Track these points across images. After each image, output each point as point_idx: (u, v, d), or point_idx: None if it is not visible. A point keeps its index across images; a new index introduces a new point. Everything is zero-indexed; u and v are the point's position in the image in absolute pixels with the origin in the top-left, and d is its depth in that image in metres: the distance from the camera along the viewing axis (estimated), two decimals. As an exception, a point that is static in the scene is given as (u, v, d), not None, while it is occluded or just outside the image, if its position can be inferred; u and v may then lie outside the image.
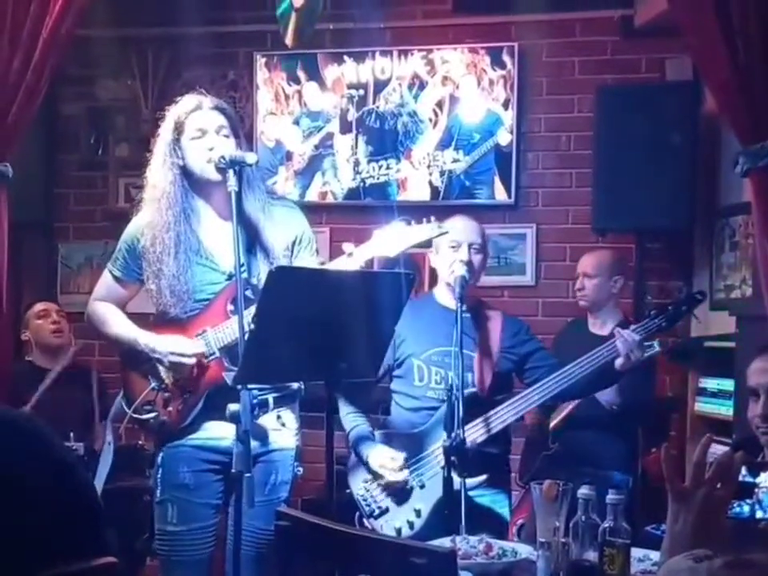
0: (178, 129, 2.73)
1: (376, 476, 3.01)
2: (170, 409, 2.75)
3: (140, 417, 2.77)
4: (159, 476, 2.77)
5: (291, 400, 2.83)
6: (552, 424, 3.52)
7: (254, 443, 2.56)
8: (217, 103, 2.79)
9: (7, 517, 0.83)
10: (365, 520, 3.03)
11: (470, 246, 3.06)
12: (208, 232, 2.79)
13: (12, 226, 3.31)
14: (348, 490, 3.07)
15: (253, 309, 2.48)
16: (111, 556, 0.92)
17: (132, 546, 3.65)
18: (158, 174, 2.75)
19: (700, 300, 3.14)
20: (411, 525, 2.98)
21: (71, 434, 3.70)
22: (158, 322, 2.79)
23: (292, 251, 2.85)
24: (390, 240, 2.74)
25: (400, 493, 3.00)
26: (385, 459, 2.99)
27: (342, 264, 2.71)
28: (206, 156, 2.69)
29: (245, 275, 2.70)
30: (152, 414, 2.76)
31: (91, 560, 0.89)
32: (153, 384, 2.75)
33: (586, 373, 3.00)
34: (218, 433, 2.72)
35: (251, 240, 2.76)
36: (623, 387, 3.30)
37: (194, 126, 2.73)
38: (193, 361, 2.68)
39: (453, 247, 3.06)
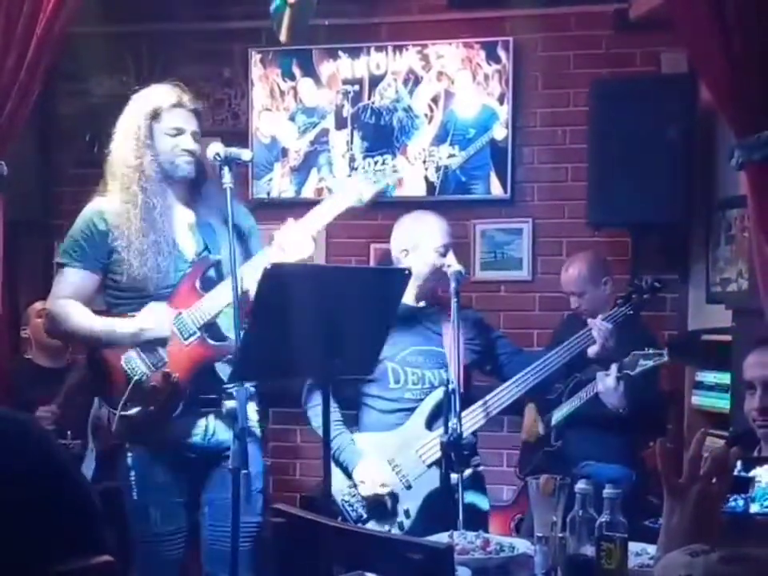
0: (154, 117, 2.74)
1: (358, 485, 3.01)
2: (159, 398, 2.69)
3: (126, 413, 2.68)
4: (133, 478, 2.71)
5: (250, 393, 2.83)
6: (554, 420, 3.53)
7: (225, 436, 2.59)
8: (196, 105, 2.82)
9: (5, 516, 0.83)
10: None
11: (452, 248, 3.09)
12: (172, 219, 2.79)
13: (8, 224, 3.30)
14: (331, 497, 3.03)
15: (220, 287, 2.62)
16: (108, 555, 0.92)
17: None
18: (128, 155, 2.74)
19: (659, 287, 3.39)
20: (401, 525, 2.98)
21: (68, 433, 3.70)
22: (124, 313, 2.74)
23: (249, 236, 2.88)
24: (350, 192, 2.79)
25: (384, 503, 3.00)
26: (371, 474, 2.99)
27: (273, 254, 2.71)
28: (178, 154, 2.73)
29: (206, 254, 2.78)
30: (137, 409, 2.68)
31: (89, 559, 0.89)
32: (136, 376, 2.69)
33: (564, 362, 3.08)
34: (188, 430, 2.74)
35: (211, 219, 2.81)
36: (630, 391, 3.32)
37: (173, 123, 2.75)
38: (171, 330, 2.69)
39: (441, 253, 3.06)
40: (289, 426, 4.93)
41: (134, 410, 2.69)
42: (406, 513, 2.98)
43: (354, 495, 3.02)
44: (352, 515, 3.00)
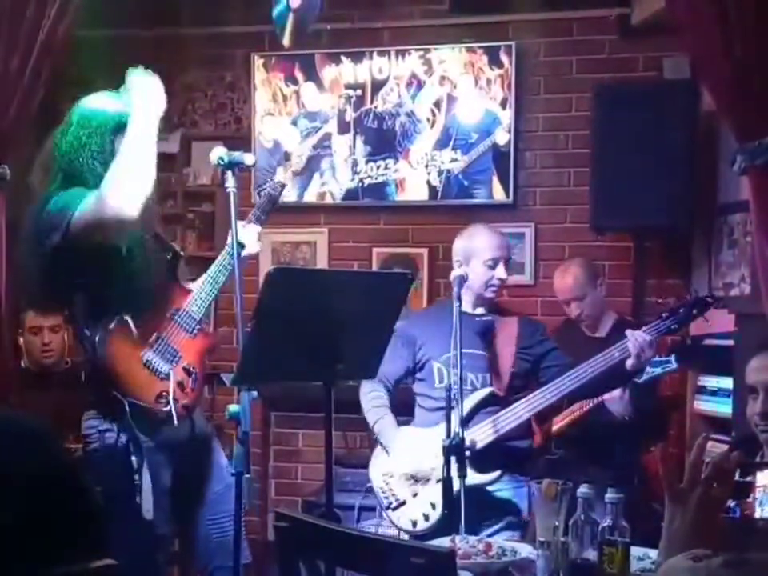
0: (119, 128, 2.73)
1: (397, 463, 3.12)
2: (188, 389, 2.75)
3: (163, 410, 2.68)
4: (138, 479, 2.67)
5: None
6: (555, 429, 3.51)
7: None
8: None
9: (7, 518, 0.84)
10: (383, 512, 3.19)
11: (505, 262, 3.19)
12: None
13: (10, 227, 3.31)
14: (369, 484, 3.23)
15: (202, 279, 2.74)
16: (111, 558, 0.92)
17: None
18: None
19: (710, 303, 3.14)
20: (427, 517, 3.06)
21: (70, 436, 3.69)
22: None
23: None
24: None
25: (415, 489, 3.10)
26: (407, 451, 3.11)
27: None
28: None
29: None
30: (170, 405, 2.69)
31: (91, 561, 0.89)
32: (162, 373, 2.70)
33: (597, 373, 3.04)
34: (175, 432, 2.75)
35: None
36: (635, 398, 3.33)
37: None
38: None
39: (489, 266, 3.16)
40: (290, 429, 4.94)
41: (167, 408, 2.69)
42: (433, 506, 3.04)
43: (388, 483, 3.14)
44: (383, 501, 3.14)
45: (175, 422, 2.69)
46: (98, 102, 2.81)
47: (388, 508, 3.13)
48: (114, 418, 2.68)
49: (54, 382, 3.99)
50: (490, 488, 3.04)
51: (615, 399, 3.25)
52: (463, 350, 3.11)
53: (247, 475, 2.42)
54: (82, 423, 2.78)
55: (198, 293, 2.82)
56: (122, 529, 2.30)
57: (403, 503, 3.11)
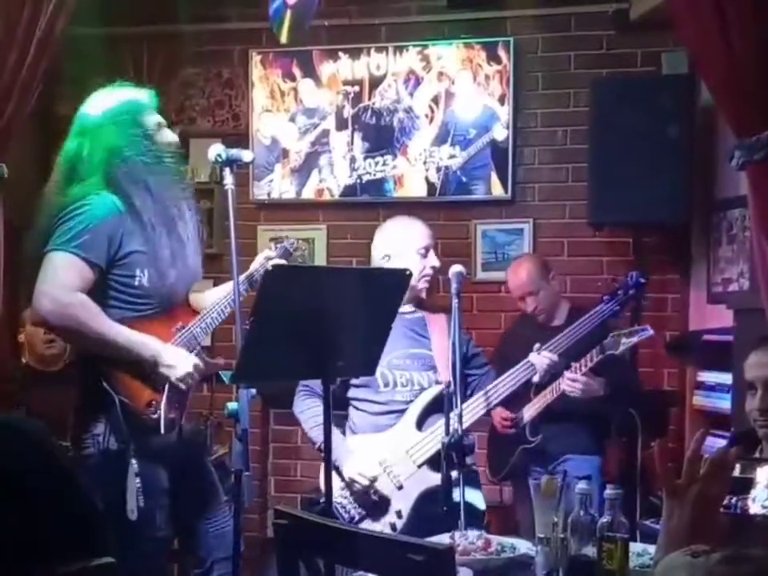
0: (139, 113, 2.76)
1: (349, 484, 3.03)
2: (178, 405, 2.74)
3: (152, 417, 2.68)
4: (139, 483, 2.65)
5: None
6: (526, 417, 3.49)
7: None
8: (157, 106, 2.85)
9: (8, 517, 0.84)
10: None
11: (433, 249, 3.17)
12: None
13: (7, 226, 3.30)
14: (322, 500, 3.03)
15: (212, 304, 2.74)
16: (110, 557, 0.92)
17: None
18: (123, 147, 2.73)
19: (644, 283, 3.33)
20: (393, 526, 3.00)
21: (68, 435, 3.69)
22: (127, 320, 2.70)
23: None
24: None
25: (376, 499, 3.02)
26: (359, 468, 3.02)
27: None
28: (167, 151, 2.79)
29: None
30: (159, 413, 2.68)
31: (90, 560, 0.89)
32: (157, 383, 2.69)
33: (518, 385, 3.14)
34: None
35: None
36: (607, 375, 3.35)
37: (155, 120, 2.80)
38: (199, 370, 2.72)
39: (422, 254, 3.13)
40: (289, 426, 4.93)
41: (154, 416, 2.69)
42: (398, 513, 3.00)
43: (346, 497, 3.05)
44: (345, 516, 3.03)
45: (161, 430, 2.68)
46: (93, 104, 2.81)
47: (350, 522, 3.01)
48: (104, 415, 2.66)
49: (55, 378, 4.00)
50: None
51: (571, 383, 3.27)
52: (404, 351, 3.12)
53: (246, 473, 2.42)
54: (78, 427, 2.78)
55: (204, 317, 2.81)
56: (122, 532, 2.32)
57: (367, 515, 3.03)
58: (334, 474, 2.97)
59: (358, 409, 3.17)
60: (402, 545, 1.68)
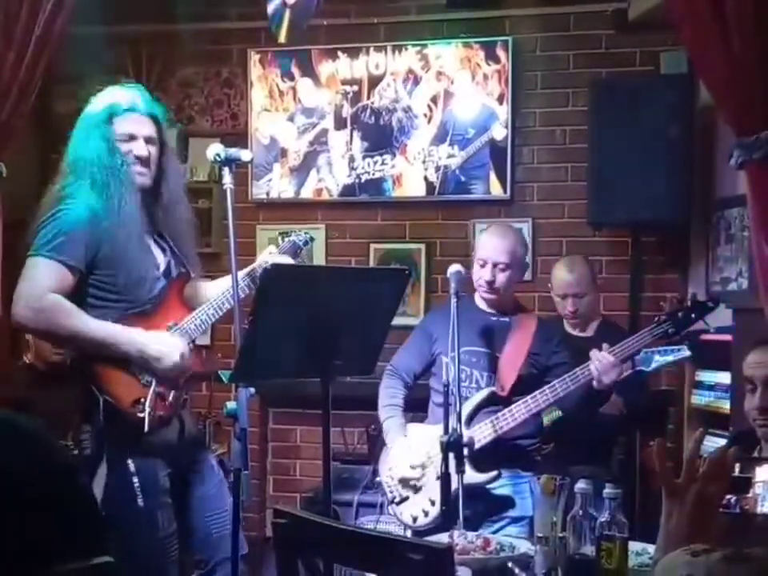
0: (109, 120, 2.73)
1: (390, 468, 3.17)
2: (167, 402, 2.72)
3: (138, 415, 2.66)
4: (137, 483, 2.66)
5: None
6: (547, 421, 3.49)
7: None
8: (151, 110, 2.80)
9: (7, 516, 0.84)
10: (388, 506, 3.26)
11: (494, 264, 3.17)
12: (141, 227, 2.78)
13: (6, 225, 3.30)
14: (378, 478, 3.28)
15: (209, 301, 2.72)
16: (108, 556, 0.92)
17: None
18: (87, 157, 2.73)
19: (711, 308, 3.03)
20: (426, 513, 3.09)
21: (69, 434, 3.69)
22: (110, 320, 2.70)
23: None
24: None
25: (417, 485, 3.13)
26: (399, 459, 3.15)
27: None
28: (129, 162, 2.73)
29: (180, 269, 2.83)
30: (147, 411, 2.66)
31: (89, 559, 0.89)
32: (144, 379, 2.68)
33: (571, 389, 3.04)
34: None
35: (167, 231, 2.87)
36: (625, 391, 3.32)
37: (125, 129, 2.75)
38: (185, 360, 2.70)
39: (480, 265, 3.19)
40: (288, 426, 4.94)
41: (141, 414, 2.67)
42: (432, 502, 3.06)
43: (393, 477, 3.17)
44: (390, 497, 3.19)
45: (146, 428, 2.65)
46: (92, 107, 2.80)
47: (392, 502, 3.18)
48: (90, 415, 2.67)
49: (57, 377, 4.00)
50: (489, 486, 3.05)
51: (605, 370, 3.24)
52: (471, 348, 3.16)
53: (245, 472, 2.42)
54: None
55: (199, 313, 2.80)
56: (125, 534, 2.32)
57: (406, 498, 3.14)
58: (387, 454, 3.23)
59: (432, 399, 3.27)
60: (401, 544, 1.68)
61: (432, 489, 3.04)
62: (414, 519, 3.10)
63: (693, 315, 3.01)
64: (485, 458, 3.00)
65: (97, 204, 2.67)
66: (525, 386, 3.17)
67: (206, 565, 2.85)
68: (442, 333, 3.15)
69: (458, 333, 2.87)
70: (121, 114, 2.74)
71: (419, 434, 3.19)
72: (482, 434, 3.04)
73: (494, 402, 3.10)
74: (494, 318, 3.25)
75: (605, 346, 3.04)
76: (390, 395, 3.29)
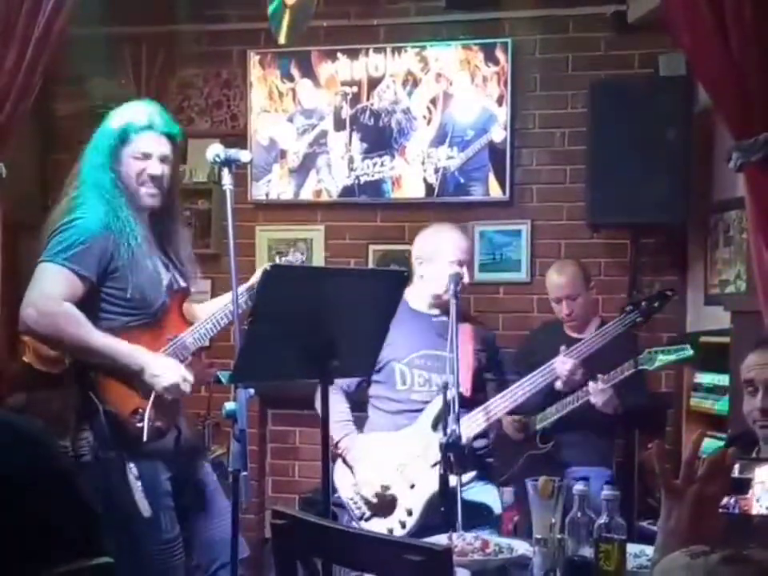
0: (123, 138, 2.73)
1: (362, 486, 3.08)
2: (166, 414, 2.74)
3: (136, 425, 2.67)
4: (140, 485, 2.67)
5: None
6: (540, 425, 3.50)
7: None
8: (169, 129, 2.80)
9: (5, 518, 0.84)
10: (353, 522, 3.07)
11: (468, 266, 3.23)
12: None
13: (6, 226, 3.30)
14: (336, 494, 3.10)
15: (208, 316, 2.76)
16: (107, 556, 0.92)
17: None
18: (98, 175, 2.73)
19: (670, 296, 3.37)
20: (403, 524, 3.02)
21: (67, 436, 3.68)
22: (116, 331, 2.70)
23: None
24: None
25: (388, 498, 3.05)
26: (371, 476, 3.06)
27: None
28: (142, 180, 2.74)
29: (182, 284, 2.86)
30: (146, 422, 2.68)
31: (88, 560, 0.89)
32: (143, 390, 2.69)
33: (538, 389, 3.16)
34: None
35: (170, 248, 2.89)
36: (622, 390, 3.33)
37: (141, 147, 2.74)
38: (189, 387, 2.72)
39: (452, 265, 3.15)
40: (287, 427, 4.94)
41: (140, 424, 2.68)
42: (409, 512, 3.02)
43: (359, 493, 3.09)
44: (356, 513, 3.08)
45: (144, 438, 2.66)
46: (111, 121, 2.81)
47: (360, 519, 3.07)
48: (89, 422, 2.68)
49: (55, 379, 3.99)
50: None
51: (597, 393, 3.27)
52: (426, 351, 3.15)
53: (244, 473, 2.42)
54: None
55: (198, 327, 2.82)
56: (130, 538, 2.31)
57: (376, 514, 3.06)
58: (347, 471, 3.10)
59: (376, 407, 3.22)
60: (399, 545, 1.68)
61: (407, 498, 3.02)
62: (390, 531, 3.01)
63: (655, 304, 3.30)
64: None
65: (107, 218, 2.68)
66: (480, 381, 3.21)
67: (207, 570, 2.85)
68: (390, 339, 2.97)
69: (457, 337, 2.85)
70: (138, 132, 2.74)
71: (383, 446, 3.10)
72: (472, 431, 3.04)
73: (460, 404, 2.95)
74: (435, 319, 3.22)
75: (562, 348, 3.26)
76: (337, 411, 3.06)
